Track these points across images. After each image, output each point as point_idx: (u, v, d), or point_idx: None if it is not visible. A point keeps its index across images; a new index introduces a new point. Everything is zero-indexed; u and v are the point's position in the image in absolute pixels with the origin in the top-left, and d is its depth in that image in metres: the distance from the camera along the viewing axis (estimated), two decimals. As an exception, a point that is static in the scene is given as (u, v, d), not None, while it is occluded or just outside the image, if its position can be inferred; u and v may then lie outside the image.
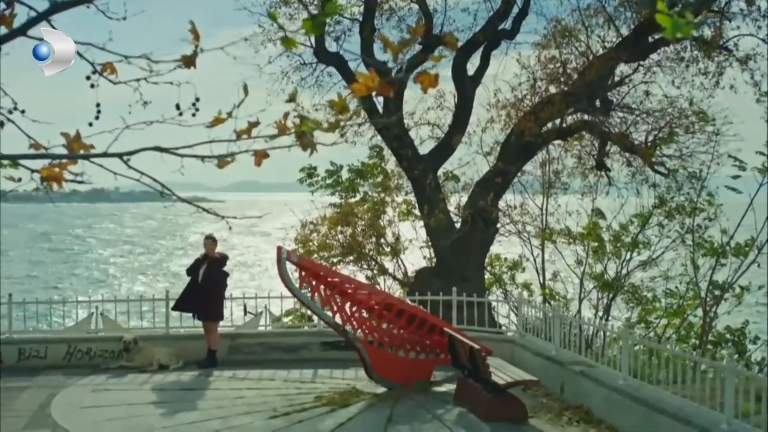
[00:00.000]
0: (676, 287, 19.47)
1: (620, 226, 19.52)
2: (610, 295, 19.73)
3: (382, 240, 21.92)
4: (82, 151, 4.14)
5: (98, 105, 4.58)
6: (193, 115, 4.17)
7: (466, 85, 19.25)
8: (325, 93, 20.34)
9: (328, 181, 23.00)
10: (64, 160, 4.15)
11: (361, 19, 19.57)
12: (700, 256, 18.33)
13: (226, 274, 14.39)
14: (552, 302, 19.86)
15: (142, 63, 4.24)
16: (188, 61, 4.12)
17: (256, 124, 3.91)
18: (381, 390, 12.19)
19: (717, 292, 17.97)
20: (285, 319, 17.82)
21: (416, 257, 22.22)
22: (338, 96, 3.94)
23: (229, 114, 3.89)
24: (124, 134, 4.03)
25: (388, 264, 22.25)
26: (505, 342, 13.97)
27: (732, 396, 8.04)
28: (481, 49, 19.29)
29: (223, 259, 14.35)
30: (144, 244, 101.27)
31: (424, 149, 20.08)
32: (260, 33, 19.51)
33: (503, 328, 15.39)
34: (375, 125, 19.63)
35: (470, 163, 20.73)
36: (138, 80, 4.40)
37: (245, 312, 14.90)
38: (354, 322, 12.29)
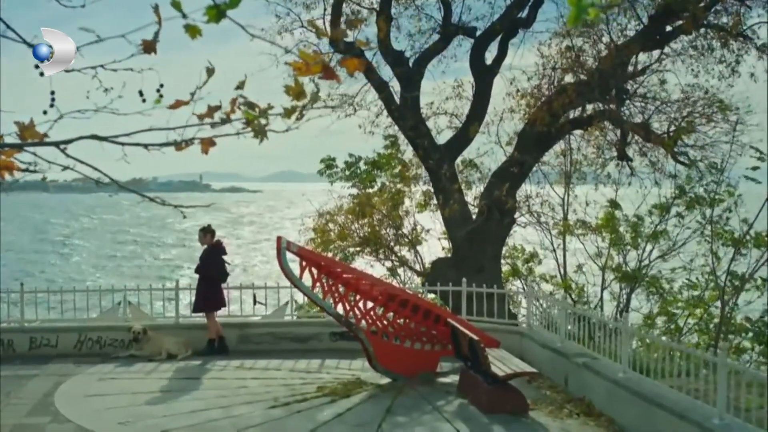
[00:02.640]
0: (697, 279, 19.18)
1: (636, 217, 19.25)
2: (630, 287, 19.51)
3: (401, 231, 21.88)
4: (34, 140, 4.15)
5: (53, 93, 4.57)
6: (157, 101, 4.14)
7: (483, 75, 19.11)
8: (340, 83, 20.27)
9: (347, 172, 22.98)
10: (7, 149, 4.16)
11: (377, 8, 19.49)
12: (720, 247, 18.04)
13: (210, 263, 14.47)
14: (571, 294, 19.72)
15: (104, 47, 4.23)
16: (148, 47, 4.07)
17: (217, 108, 3.86)
18: (385, 381, 12.15)
19: (736, 283, 17.64)
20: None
21: (436, 248, 22.14)
22: (294, 81, 3.88)
23: (192, 95, 3.85)
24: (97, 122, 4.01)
25: (407, 255, 22.21)
26: (514, 334, 13.86)
27: (725, 390, 7.87)
28: (498, 38, 19.12)
29: (210, 247, 14.51)
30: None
31: (443, 138, 20.02)
32: (276, 23, 19.67)
33: (522, 318, 15.26)
34: (391, 114, 19.55)
35: (488, 153, 20.63)
36: (95, 67, 4.38)
37: (255, 302, 14.90)
38: (357, 313, 12.24)
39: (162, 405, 10.98)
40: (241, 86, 4.02)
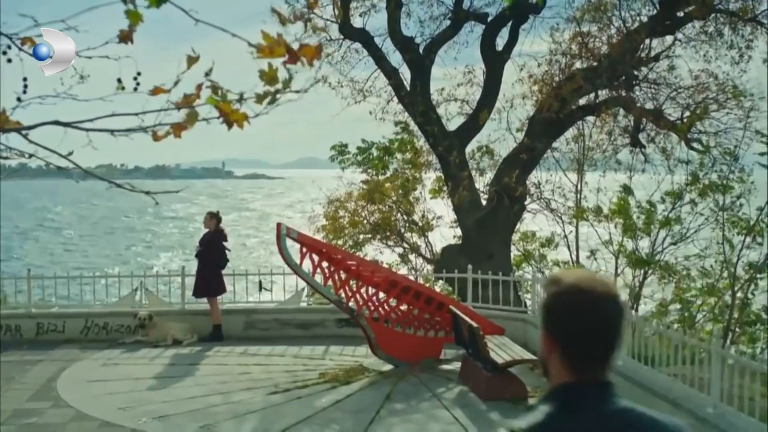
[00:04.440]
0: (711, 266, 18.97)
1: (648, 203, 19.03)
2: (643, 273, 19.34)
3: (411, 218, 21.82)
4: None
5: (25, 79, 4.56)
6: (135, 89, 4.12)
7: (494, 61, 18.98)
8: (350, 69, 20.28)
9: (359, 158, 22.91)
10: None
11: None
12: (734, 235, 17.83)
13: (214, 247, 14.46)
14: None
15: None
16: (125, 37, 4.05)
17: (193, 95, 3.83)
18: (387, 367, 12.14)
19: (751, 272, 17.42)
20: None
21: (447, 234, 22.06)
22: (269, 66, 3.84)
23: (176, 83, 3.81)
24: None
25: (419, 242, 22.16)
26: (519, 321, 13.79)
27: (718, 379, 7.79)
28: (509, 24, 18.97)
29: (212, 233, 14.52)
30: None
31: (453, 125, 19.91)
32: (285, 9, 19.56)
33: (530, 305, 15.18)
34: (401, 101, 19.45)
35: (499, 139, 20.49)
36: (67, 54, 4.36)
37: (260, 288, 14.92)
38: (358, 299, 12.21)
39: (163, 390, 11.03)
40: (209, 73, 3.98)
